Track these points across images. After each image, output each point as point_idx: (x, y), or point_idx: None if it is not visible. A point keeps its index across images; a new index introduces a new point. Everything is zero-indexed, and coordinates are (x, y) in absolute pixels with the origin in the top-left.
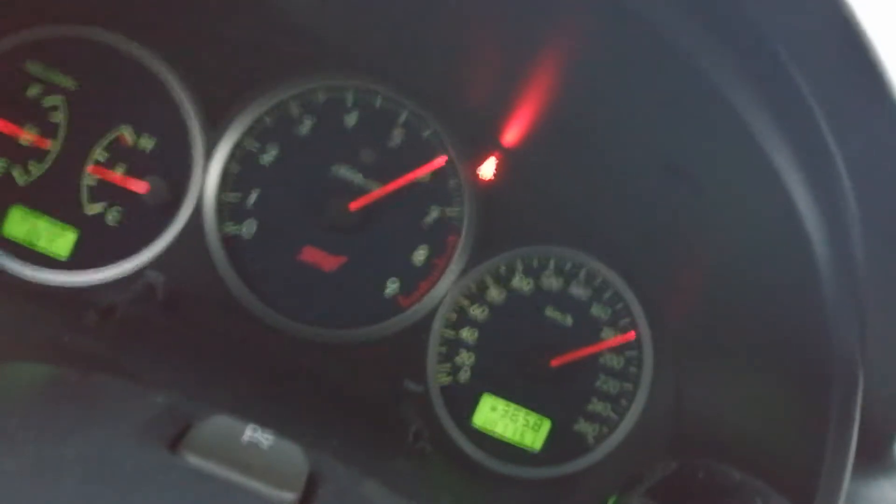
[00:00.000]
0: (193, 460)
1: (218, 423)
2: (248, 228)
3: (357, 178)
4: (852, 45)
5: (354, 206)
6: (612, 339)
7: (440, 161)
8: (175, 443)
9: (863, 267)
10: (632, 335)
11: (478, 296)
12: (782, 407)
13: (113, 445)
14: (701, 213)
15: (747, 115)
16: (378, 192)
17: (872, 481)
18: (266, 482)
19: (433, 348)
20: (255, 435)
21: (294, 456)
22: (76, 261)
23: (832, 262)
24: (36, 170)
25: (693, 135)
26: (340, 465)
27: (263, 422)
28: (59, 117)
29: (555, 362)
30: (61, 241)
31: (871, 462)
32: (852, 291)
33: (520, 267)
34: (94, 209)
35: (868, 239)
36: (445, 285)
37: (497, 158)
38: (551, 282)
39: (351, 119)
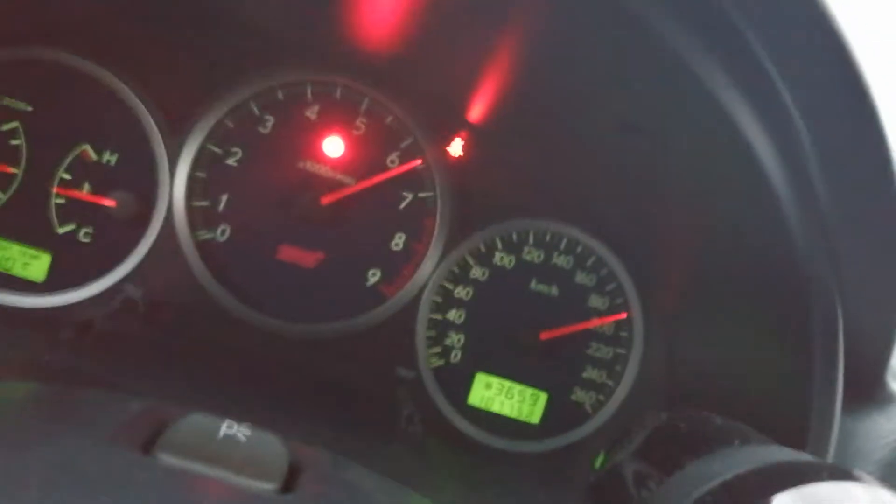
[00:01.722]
0: (170, 460)
1: (193, 422)
2: (222, 233)
3: (324, 171)
4: None
5: (326, 200)
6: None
7: (416, 162)
8: (149, 445)
9: (827, 204)
10: (623, 316)
11: (461, 276)
12: (771, 352)
13: (82, 451)
14: (666, 168)
15: (696, 66)
16: (349, 189)
17: (867, 416)
18: (245, 474)
19: (421, 333)
20: (232, 429)
21: (273, 446)
22: (53, 282)
23: (794, 200)
24: (2, 196)
25: (650, 92)
26: (324, 453)
27: (257, 422)
28: (19, 141)
29: (545, 335)
30: (36, 264)
31: (865, 397)
32: (817, 227)
33: (499, 243)
34: (65, 229)
35: (828, 176)
36: (427, 269)
37: (464, 136)
38: (533, 255)
39: (312, 113)
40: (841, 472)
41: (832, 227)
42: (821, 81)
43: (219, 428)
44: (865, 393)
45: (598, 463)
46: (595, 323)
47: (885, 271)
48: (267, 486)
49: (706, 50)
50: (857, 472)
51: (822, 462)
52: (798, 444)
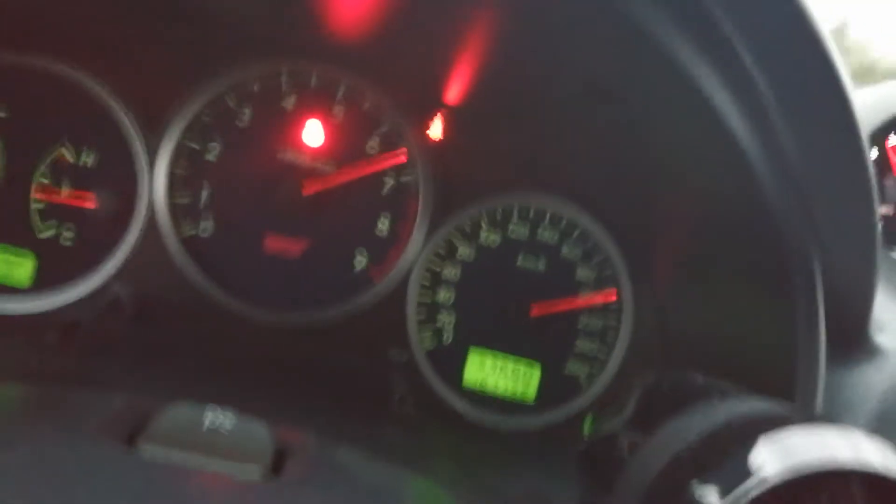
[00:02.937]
0: (154, 452)
1: (176, 412)
2: (206, 227)
3: (304, 160)
4: None
5: (307, 191)
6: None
7: (401, 157)
8: (133, 437)
9: (799, 162)
10: (612, 296)
11: (448, 256)
12: (756, 311)
13: (65, 446)
14: (641, 137)
15: (662, 35)
16: (331, 177)
17: (855, 368)
18: (230, 461)
19: (412, 315)
20: (216, 417)
21: (258, 432)
22: (39, 286)
23: (764, 161)
24: None
25: (619, 61)
26: (311, 436)
27: (250, 412)
28: None
29: (535, 313)
30: (21, 269)
31: (852, 350)
32: (790, 187)
33: (484, 222)
34: (47, 232)
35: (797, 134)
36: (414, 251)
37: (443, 118)
38: (518, 231)
39: (289, 102)
40: (816, 419)
41: (806, 186)
42: (779, 37)
43: (203, 417)
44: (852, 346)
45: (585, 427)
46: (584, 301)
47: (860, 224)
48: (252, 473)
49: (675, 26)
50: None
51: (797, 411)
52: (786, 399)
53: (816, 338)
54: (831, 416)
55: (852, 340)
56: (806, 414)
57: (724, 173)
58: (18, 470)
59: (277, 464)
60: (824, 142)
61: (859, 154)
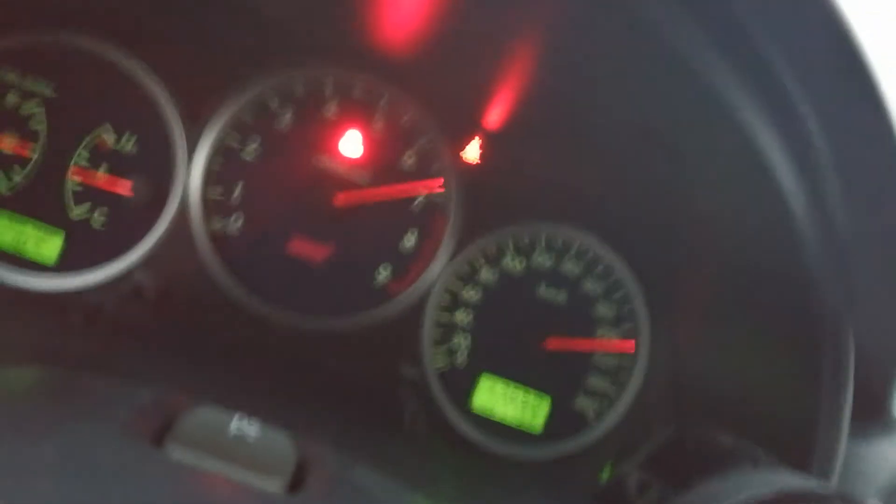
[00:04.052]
0: (179, 453)
1: (203, 415)
2: (235, 223)
3: (339, 168)
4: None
5: (339, 202)
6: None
7: (437, 183)
8: (160, 436)
9: (843, 225)
10: (630, 347)
11: (470, 277)
12: (779, 371)
13: (94, 442)
14: (682, 180)
15: (712, 78)
16: (364, 193)
17: (871, 440)
18: (253, 471)
19: (428, 332)
20: (242, 425)
21: (281, 444)
22: (64, 265)
23: (810, 221)
24: (19, 177)
25: (667, 101)
26: (331, 452)
27: (260, 414)
28: (39, 124)
29: (550, 346)
30: (48, 246)
31: (869, 421)
32: (832, 249)
33: (510, 246)
34: (79, 213)
35: (845, 197)
36: (437, 269)
37: (480, 141)
38: (542, 259)
39: (330, 109)
40: (851, 500)
41: (847, 249)
42: (840, 98)
43: (229, 423)
44: (870, 417)
45: (604, 475)
46: (601, 346)
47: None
48: (274, 485)
49: (724, 65)
50: (867, 500)
51: (832, 489)
52: (802, 466)
53: (842, 406)
54: (843, 487)
55: (872, 411)
56: (843, 497)
57: (764, 226)
58: (51, 462)
59: (298, 477)
60: (873, 208)
61: None
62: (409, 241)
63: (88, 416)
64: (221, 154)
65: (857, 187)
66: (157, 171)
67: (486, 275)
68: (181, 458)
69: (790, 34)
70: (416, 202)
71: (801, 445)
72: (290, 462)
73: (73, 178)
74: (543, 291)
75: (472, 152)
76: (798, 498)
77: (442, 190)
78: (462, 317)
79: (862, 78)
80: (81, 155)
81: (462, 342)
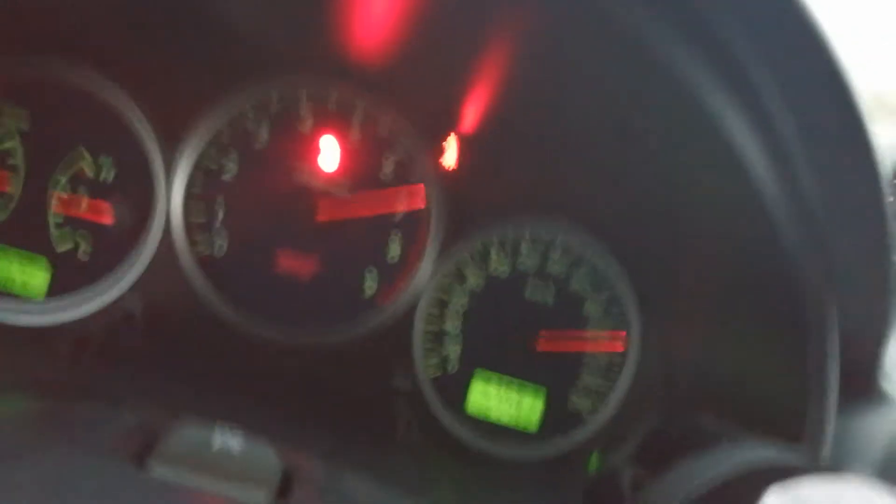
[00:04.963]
0: (162, 471)
1: (186, 432)
2: (220, 245)
3: (318, 182)
4: None
5: (321, 217)
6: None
7: (417, 190)
8: (142, 456)
9: (818, 207)
10: (619, 345)
11: (457, 283)
12: (766, 354)
13: (75, 464)
14: (659, 175)
15: (683, 73)
16: (346, 207)
17: (860, 416)
18: (239, 484)
19: (418, 342)
20: (225, 439)
21: (266, 457)
22: (53, 298)
23: (784, 203)
24: (1, 214)
25: (643, 101)
26: (318, 463)
27: (254, 431)
28: (17, 159)
29: (542, 346)
30: (36, 281)
31: (858, 397)
32: (810, 231)
33: (494, 250)
34: (64, 245)
35: (818, 177)
36: (423, 276)
37: (457, 144)
38: (527, 261)
39: (306, 122)
40: (828, 471)
41: (824, 231)
42: (806, 82)
43: (212, 438)
44: (858, 392)
45: (591, 464)
46: (591, 346)
47: (876, 271)
48: (259, 497)
49: (695, 58)
50: (844, 471)
51: (809, 461)
52: (794, 444)
53: (829, 385)
54: (835, 462)
55: (860, 387)
56: (817, 463)
57: (741, 215)
58: (29, 487)
59: (284, 488)
60: (845, 187)
61: (879, 201)
62: (394, 249)
63: (68, 440)
64: (200, 174)
65: (827, 171)
66: (137, 196)
67: (473, 279)
68: (165, 475)
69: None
70: (396, 214)
71: (792, 425)
72: (276, 473)
73: (55, 211)
74: (531, 293)
75: (451, 157)
76: (773, 471)
77: (423, 206)
78: (452, 323)
79: (823, 55)
80: (62, 188)
81: (453, 349)
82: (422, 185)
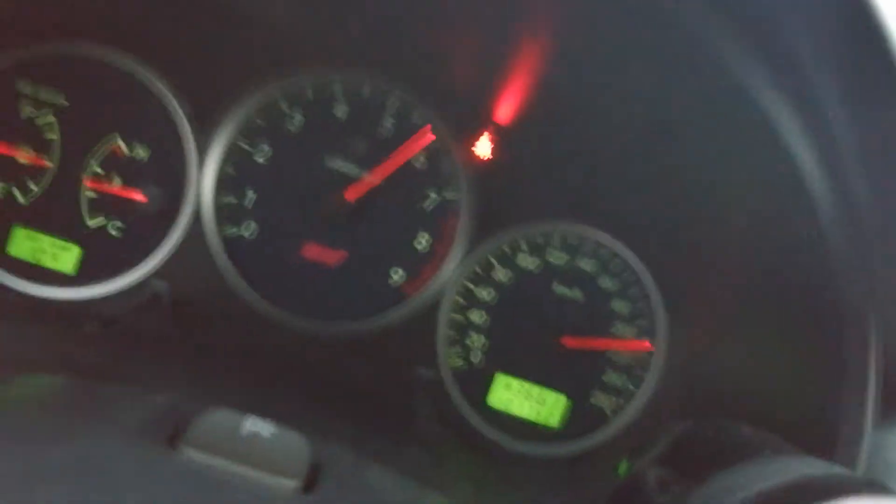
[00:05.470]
0: (193, 455)
1: (217, 417)
2: (248, 229)
3: (351, 168)
4: None
5: (350, 195)
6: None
7: (427, 137)
8: (174, 439)
9: (865, 206)
10: (646, 345)
11: (484, 277)
12: (800, 362)
13: (108, 446)
14: (697, 174)
15: (734, 67)
16: (372, 177)
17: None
18: (267, 471)
19: (442, 333)
20: (255, 426)
21: (296, 444)
22: (82, 275)
23: (834, 211)
24: (35, 188)
25: (684, 94)
26: (345, 453)
27: (277, 418)
28: (53, 135)
29: (568, 343)
30: (66, 256)
31: (894, 409)
32: (856, 241)
33: (523, 245)
34: (95, 222)
35: (869, 185)
36: (450, 269)
37: (491, 136)
38: (556, 257)
39: (340, 110)
40: (877, 487)
41: (871, 237)
42: (865, 78)
43: (242, 424)
44: (894, 404)
45: (621, 470)
46: (618, 344)
47: None
48: (288, 484)
49: (744, 51)
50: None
51: (856, 475)
52: (827, 456)
53: (866, 397)
54: (871, 476)
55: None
56: (871, 484)
57: (785, 218)
58: (63, 467)
59: (311, 478)
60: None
61: None
62: (422, 241)
63: (101, 422)
64: (233, 158)
65: (880, 174)
66: (169, 178)
67: (500, 273)
68: (195, 459)
69: (814, 20)
70: (428, 202)
71: (825, 436)
72: (305, 461)
73: (88, 187)
74: (558, 288)
75: (484, 148)
76: (819, 485)
77: (433, 140)
78: (477, 316)
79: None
80: (94, 163)
81: (478, 342)
82: (429, 125)
